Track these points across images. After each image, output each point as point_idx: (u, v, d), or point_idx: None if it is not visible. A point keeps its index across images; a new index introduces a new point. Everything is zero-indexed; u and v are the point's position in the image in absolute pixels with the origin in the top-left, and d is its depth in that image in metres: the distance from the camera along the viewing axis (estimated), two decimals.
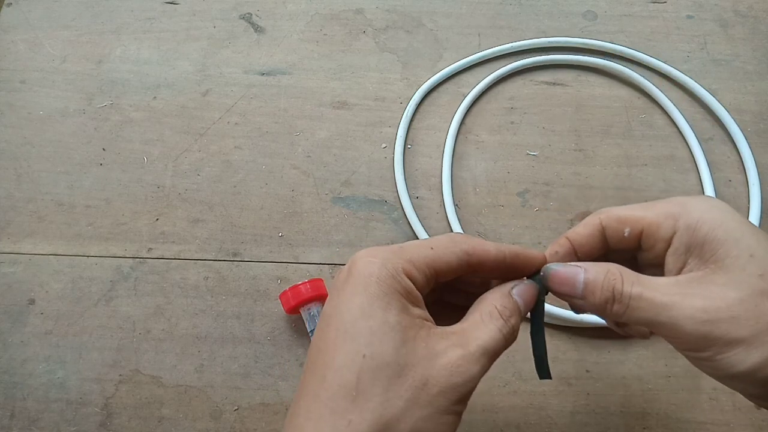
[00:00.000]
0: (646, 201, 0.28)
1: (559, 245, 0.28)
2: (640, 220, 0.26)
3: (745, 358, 0.22)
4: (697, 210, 0.24)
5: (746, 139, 0.48)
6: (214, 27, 0.55)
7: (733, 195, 0.47)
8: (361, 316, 0.23)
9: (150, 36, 0.55)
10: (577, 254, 0.28)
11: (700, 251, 0.24)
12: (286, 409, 0.40)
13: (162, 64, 0.53)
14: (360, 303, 0.23)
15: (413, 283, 0.24)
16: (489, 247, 0.26)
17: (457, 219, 0.45)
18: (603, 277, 0.25)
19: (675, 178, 0.48)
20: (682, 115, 0.49)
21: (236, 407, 0.40)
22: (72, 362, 0.42)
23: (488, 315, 0.25)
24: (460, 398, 0.23)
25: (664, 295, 0.23)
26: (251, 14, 0.56)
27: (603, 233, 0.27)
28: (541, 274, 0.27)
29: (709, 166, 0.47)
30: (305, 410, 0.23)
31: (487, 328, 0.24)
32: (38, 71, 0.53)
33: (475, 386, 0.23)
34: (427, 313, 0.25)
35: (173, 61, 0.53)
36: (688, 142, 0.49)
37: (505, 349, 0.25)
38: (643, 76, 0.51)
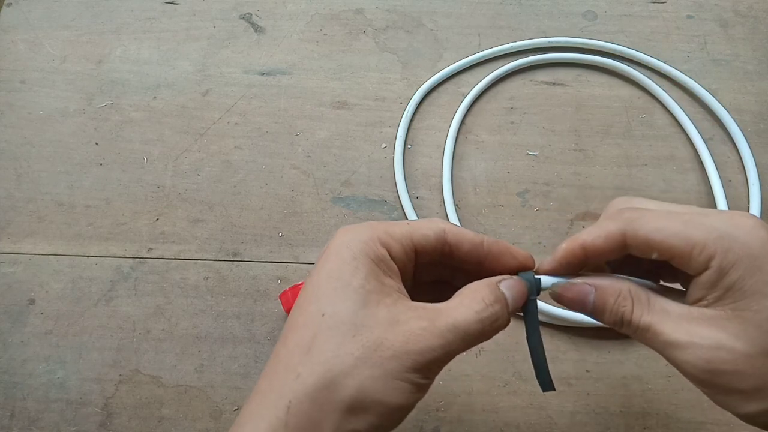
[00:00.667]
0: None
1: (573, 255, 0.25)
2: (671, 250, 0.23)
3: (743, 405, 0.22)
4: (736, 250, 0.22)
5: (746, 139, 0.48)
6: (214, 27, 0.55)
7: (733, 196, 0.47)
8: (327, 279, 0.24)
9: (150, 36, 0.55)
10: (588, 256, 0.26)
11: (724, 292, 0.23)
12: None
13: (162, 64, 0.53)
14: (329, 268, 0.24)
15: (389, 253, 0.24)
16: (467, 231, 0.26)
17: (457, 219, 0.45)
18: (613, 301, 0.24)
19: (675, 178, 0.48)
20: (685, 113, 0.49)
21: (236, 407, 0.40)
22: (72, 362, 0.42)
23: (467, 298, 0.24)
24: (416, 367, 0.22)
25: (672, 331, 0.23)
26: (251, 14, 0.56)
27: (624, 246, 0.25)
28: (549, 290, 0.26)
29: (716, 166, 0.47)
30: (265, 370, 0.24)
31: (463, 308, 0.24)
32: (38, 71, 0.53)
33: (440, 361, 0.23)
34: (402, 287, 0.25)
35: (173, 61, 0.53)
36: (693, 141, 0.48)
37: (483, 336, 0.24)
38: (644, 75, 0.51)
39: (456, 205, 0.46)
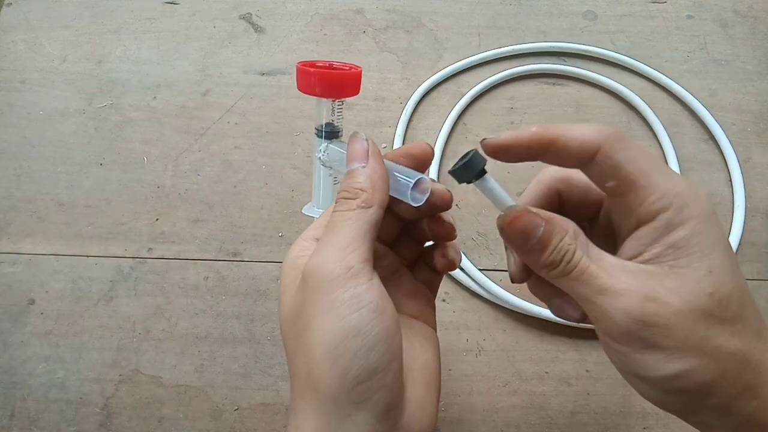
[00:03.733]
0: None
1: (538, 143, 0.24)
2: (633, 184, 0.22)
3: (661, 366, 0.21)
4: (690, 209, 0.22)
5: (730, 142, 0.49)
6: (214, 27, 0.55)
7: (714, 202, 0.47)
8: (285, 320, 0.25)
9: (150, 36, 0.55)
10: (549, 149, 0.24)
11: (662, 253, 0.22)
12: (286, 409, 0.40)
13: (162, 64, 0.53)
14: (281, 312, 0.26)
15: (316, 239, 0.26)
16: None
17: (456, 219, 0.45)
18: (559, 239, 0.23)
19: None
20: (664, 127, 0.49)
21: (236, 407, 0.40)
22: (72, 362, 0.42)
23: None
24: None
25: (608, 277, 0.22)
26: (251, 14, 0.56)
27: (589, 161, 0.23)
28: (498, 218, 0.25)
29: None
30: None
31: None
32: (38, 71, 0.53)
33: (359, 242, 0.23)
34: None
35: (173, 61, 0.53)
36: (686, 145, 0.49)
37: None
38: (634, 91, 0.51)
39: (456, 205, 0.46)
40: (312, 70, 0.27)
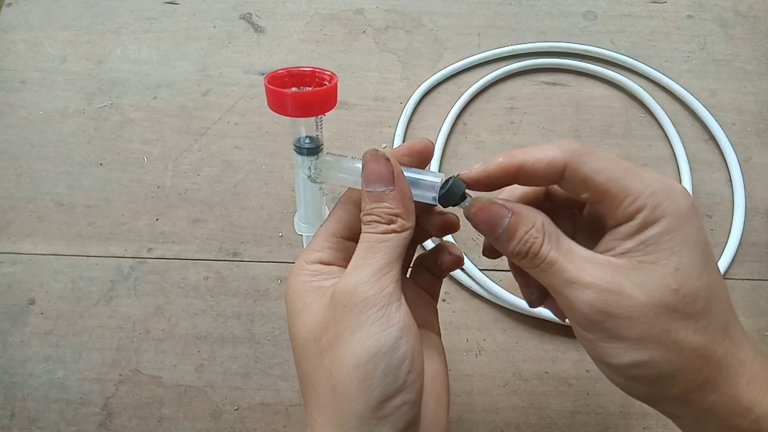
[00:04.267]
0: None
1: (506, 173, 0.25)
2: (605, 194, 0.23)
3: (622, 354, 0.22)
4: (663, 208, 0.22)
5: (730, 142, 0.49)
6: (214, 27, 0.55)
7: (714, 201, 0.47)
8: (300, 339, 0.25)
9: (150, 36, 0.55)
10: (521, 177, 0.25)
11: (633, 248, 0.23)
12: (287, 409, 0.40)
13: (162, 64, 0.53)
14: (292, 331, 0.26)
15: (322, 262, 0.26)
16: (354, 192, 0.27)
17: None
18: (525, 230, 0.24)
19: (675, 178, 0.48)
20: (671, 122, 0.49)
21: (236, 407, 0.40)
22: (72, 362, 0.42)
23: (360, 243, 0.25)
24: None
25: (576, 270, 0.23)
26: (251, 14, 0.56)
27: (559, 178, 0.24)
28: (466, 202, 0.25)
29: (690, 172, 0.48)
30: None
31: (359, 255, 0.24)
32: (38, 71, 0.53)
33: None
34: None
35: (173, 61, 0.53)
36: (686, 145, 0.49)
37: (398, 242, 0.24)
38: (639, 85, 0.51)
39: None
40: (286, 92, 0.25)
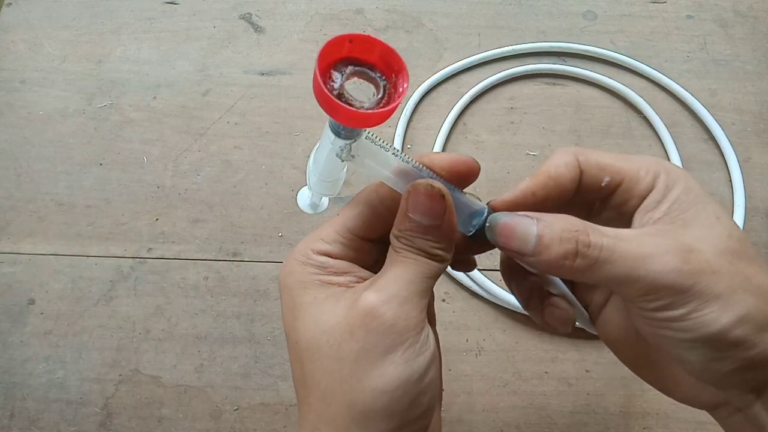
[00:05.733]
0: None
1: (540, 187, 0.24)
2: (621, 171, 0.24)
3: (720, 316, 0.20)
4: (673, 171, 0.23)
5: (730, 142, 0.49)
6: (214, 27, 0.55)
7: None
8: (292, 330, 0.24)
9: (150, 36, 0.55)
10: (552, 188, 0.24)
11: (669, 210, 0.23)
12: (286, 409, 0.40)
13: (162, 64, 0.53)
14: (286, 325, 0.24)
15: (330, 254, 0.24)
16: (382, 192, 0.25)
17: None
18: (561, 227, 0.22)
19: None
20: (666, 127, 0.49)
21: (236, 407, 0.40)
22: (72, 362, 0.42)
23: (393, 255, 0.23)
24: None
25: (640, 247, 0.21)
26: (251, 14, 0.56)
27: (579, 175, 0.24)
28: (487, 224, 0.24)
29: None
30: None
31: (398, 268, 0.23)
32: (38, 71, 0.53)
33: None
34: (357, 270, 0.25)
35: (173, 61, 0.53)
36: (685, 146, 0.49)
37: (433, 273, 0.23)
38: (633, 89, 0.51)
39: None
40: (339, 103, 0.20)
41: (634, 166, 0.24)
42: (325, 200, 0.28)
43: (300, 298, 0.24)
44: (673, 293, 0.21)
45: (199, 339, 0.42)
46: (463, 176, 0.25)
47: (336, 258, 0.25)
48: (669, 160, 0.48)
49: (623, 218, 0.24)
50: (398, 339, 0.22)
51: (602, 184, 0.24)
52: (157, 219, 0.46)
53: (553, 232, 0.22)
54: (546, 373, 0.41)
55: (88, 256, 0.45)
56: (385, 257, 0.24)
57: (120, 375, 0.41)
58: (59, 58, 0.54)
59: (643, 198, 0.23)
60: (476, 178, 0.25)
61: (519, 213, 0.23)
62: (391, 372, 0.21)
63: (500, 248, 0.24)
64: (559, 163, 0.24)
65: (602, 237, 0.21)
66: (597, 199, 0.25)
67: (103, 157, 0.49)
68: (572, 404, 0.40)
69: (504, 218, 0.23)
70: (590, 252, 0.21)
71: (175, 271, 0.45)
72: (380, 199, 0.25)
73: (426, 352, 0.22)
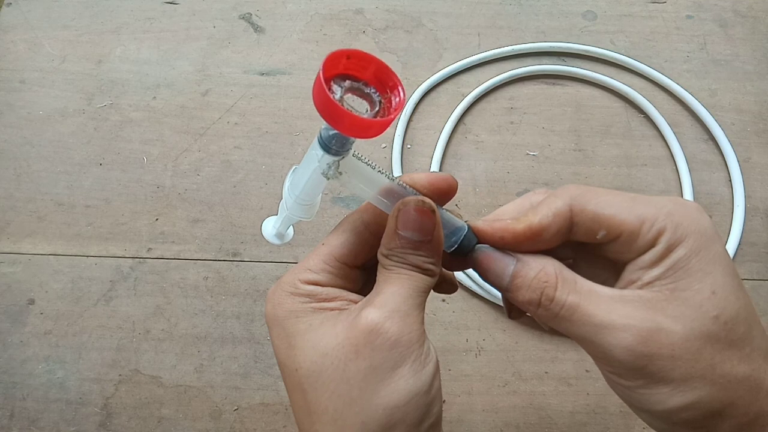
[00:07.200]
0: None
1: (522, 235, 0.23)
2: (621, 225, 0.22)
3: (667, 399, 0.20)
4: (685, 226, 0.21)
5: (730, 142, 0.49)
6: (214, 27, 0.55)
7: (714, 201, 0.47)
8: (287, 360, 0.24)
9: (150, 36, 0.55)
10: (533, 237, 0.24)
11: (661, 275, 0.21)
12: (286, 409, 0.40)
13: (162, 64, 0.53)
14: (279, 356, 0.24)
15: (318, 283, 0.24)
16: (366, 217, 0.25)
17: None
18: (534, 274, 0.22)
19: (674, 178, 0.48)
20: (669, 126, 0.49)
21: (236, 407, 0.40)
22: (72, 362, 0.42)
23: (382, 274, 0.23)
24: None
25: (604, 313, 0.21)
26: (251, 14, 0.56)
27: (570, 226, 0.23)
28: (474, 253, 0.24)
29: (690, 173, 0.48)
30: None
31: (388, 288, 0.23)
32: (38, 71, 0.53)
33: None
34: (347, 294, 0.25)
35: (173, 61, 0.53)
36: (685, 145, 0.49)
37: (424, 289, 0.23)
38: (634, 88, 0.51)
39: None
40: (344, 109, 0.20)
41: (637, 220, 0.22)
42: (291, 230, 0.28)
43: (294, 327, 0.23)
44: (624, 368, 0.21)
45: (198, 339, 0.42)
46: (444, 193, 0.25)
47: (324, 286, 0.25)
48: (673, 159, 0.48)
49: (617, 265, 0.24)
50: (405, 353, 0.22)
51: (597, 237, 0.22)
52: (156, 219, 0.46)
53: (526, 276, 0.22)
54: (546, 373, 0.41)
55: (87, 256, 0.45)
56: (371, 282, 0.24)
57: (120, 375, 0.41)
58: (59, 58, 0.54)
59: (641, 254, 0.22)
60: (455, 194, 0.25)
61: (502, 251, 0.24)
62: (402, 386, 0.21)
63: (478, 273, 0.24)
64: (546, 213, 0.23)
65: (568, 294, 0.22)
66: (591, 244, 0.25)
67: (102, 157, 0.49)
68: (572, 404, 0.40)
69: (487, 251, 0.24)
70: (551, 307, 0.22)
71: (175, 271, 0.45)
72: (365, 225, 0.25)
73: (430, 362, 0.22)
